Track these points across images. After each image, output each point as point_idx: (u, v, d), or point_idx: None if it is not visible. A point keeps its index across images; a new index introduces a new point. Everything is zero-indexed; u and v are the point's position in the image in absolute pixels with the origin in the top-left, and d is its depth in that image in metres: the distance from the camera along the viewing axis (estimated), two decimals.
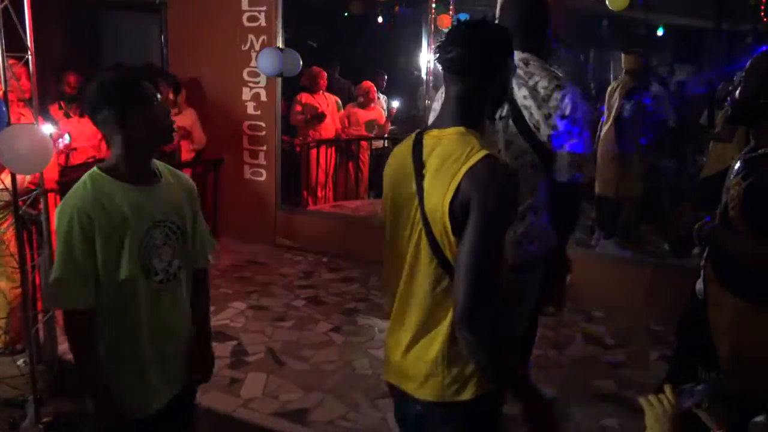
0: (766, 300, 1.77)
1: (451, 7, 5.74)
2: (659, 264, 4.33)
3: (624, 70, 5.34)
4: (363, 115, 6.78)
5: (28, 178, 3.18)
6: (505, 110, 2.11)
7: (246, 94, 5.40)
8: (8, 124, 2.71)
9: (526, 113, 2.08)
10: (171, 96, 5.13)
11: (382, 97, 7.26)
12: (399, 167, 1.61)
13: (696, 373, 1.92)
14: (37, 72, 2.89)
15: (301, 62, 5.06)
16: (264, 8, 5.18)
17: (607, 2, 4.91)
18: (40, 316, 3.17)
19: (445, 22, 5.77)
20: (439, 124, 1.57)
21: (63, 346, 3.18)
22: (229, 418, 2.95)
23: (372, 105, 6.80)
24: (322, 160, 6.46)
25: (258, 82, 5.34)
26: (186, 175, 1.95)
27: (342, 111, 6.80)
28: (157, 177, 1.79)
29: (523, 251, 2.11)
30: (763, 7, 7.55)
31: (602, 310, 4.19)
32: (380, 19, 9.39)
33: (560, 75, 2.13)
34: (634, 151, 5.12)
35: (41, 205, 3.05)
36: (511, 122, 2.11)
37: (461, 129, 1.51)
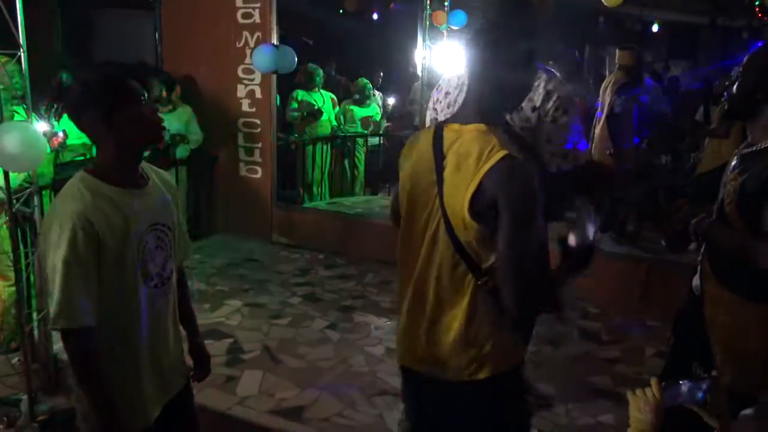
0: (762, 296, 1.78)
1: (446, 3, 5.74)
2: (655, 260, 4.35)
3: (617, 66, 5.34)
4: (359, 112, 6.77)
5: (22, 175, 3.16)
6: None
7: (241, 91, 5.38)
8: (0, 121, 2.69)
9: None
10: (165, 94, 5.11)
11: (378, 94, 7.25)
12: (419, 158, 1.64)
13: (692, 369, 1.92)
14: (30, 69, 2.87)
15: (296, 59, 5.05)
16: (258, 5, 5.16)
17: None
18: (34, 315, 3.16)
19: (440, 18, 5.77)
20: (459, 118, 1.61)
21: (58, 345, 3.16)
22: (224, 416, 2.95)
23: (367, 102, 6.80)
24: (317, 157, 6.45)
25: (253, 79, 5.32)
26: (167, 173, 1.89)
27: (337, 108, 6.79)
28: (144, 179, 1.73)
29: None
30: (757, 3, 7.56)
31: (598, 306, 4.20)
32: (375, 16, 9.39)
33: (539, 66, 2.09)
34: (627, 147, 5.12)
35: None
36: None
37: (482, 126, 1.54)
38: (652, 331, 3.94)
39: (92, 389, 1.60)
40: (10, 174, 2.84)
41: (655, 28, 10.15)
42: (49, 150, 3.90)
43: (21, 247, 3.00)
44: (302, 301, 4.27)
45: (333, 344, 3.67)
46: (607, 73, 7.04)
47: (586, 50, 8.85)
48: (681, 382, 1.47)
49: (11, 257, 2.91)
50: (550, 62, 2.22)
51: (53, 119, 4.57)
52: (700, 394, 1.44)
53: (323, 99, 6.50)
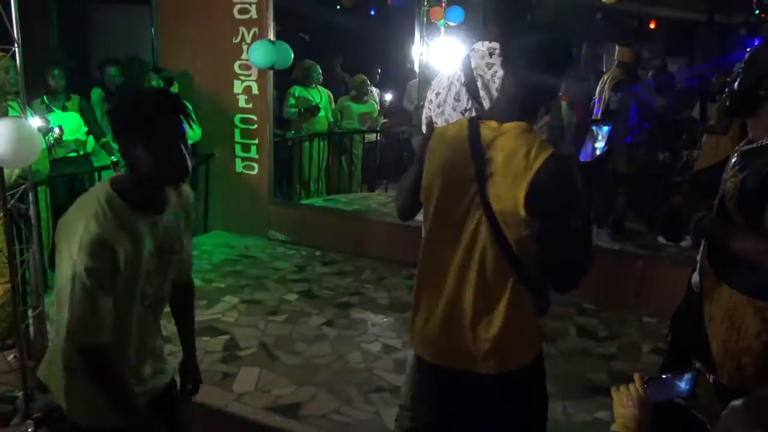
0: (761, 292, 1.77)
1: (443, 0, 5.73)
2: (651, 256, 4.35)
3: (616, 62, 5.34)
4: (356, 108, 6.76)
5: (17, 171, 3.15)
6: (469, 104, 2.10)
7: (237, 87, 5.36)
8: None
9: (485, 105, 2.07)
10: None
11: (375, 91, 7.24)
12: (452, 152, 1.65)
13: (690, 366, 1.92)
14: (25, 65, 2.86)
15: (293, 55, 5.03)
16: (255, 0, 5.14)
17: None
18: (29, 312, 3.14)
19: (437, 14, 5.75)
20: (496, 116, 1.63)
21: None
22: (221, 412, 2.94)
23: (365, 98, 6.78)
24: (314, 154, 6.44)
25: (250, 75, 5.30)
26: (187, 188, 1.89)
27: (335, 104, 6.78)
28: (164, 202, 1.72)
29: None
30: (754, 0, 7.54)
31: (595, 302, 4.20)
32: (372, 12, 9.37)
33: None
34: (624, 144, 5.12)
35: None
36: (474, 115, 2.08)
37: (522, 125, 1.60)
38: (649, 327, 3.94)
39: (122, 399, 1.64)
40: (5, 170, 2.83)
41: (652, 24, 10.14)
42: (44, 146, 3.89)
43: (16, 243, 2.99)
44: (299, 298, 4.26)
45: (330, 341, 3.66)
46: (604, 69, 7.03)
47: (583, 47, 8.83)
48: (664, 376, 1.48)
49: (6, 254, 2.90)
50: None
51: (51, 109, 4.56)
52: (684, 387, 1.45)
53: (320, 95, 6.48)
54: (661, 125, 5.44)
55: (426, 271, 1.77)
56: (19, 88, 2.90)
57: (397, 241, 4.74)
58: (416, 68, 5.82)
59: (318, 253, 5.19)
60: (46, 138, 4.16)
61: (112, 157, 4.72)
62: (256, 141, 5.43)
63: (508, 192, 1.55)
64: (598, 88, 5.34)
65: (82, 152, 4.73)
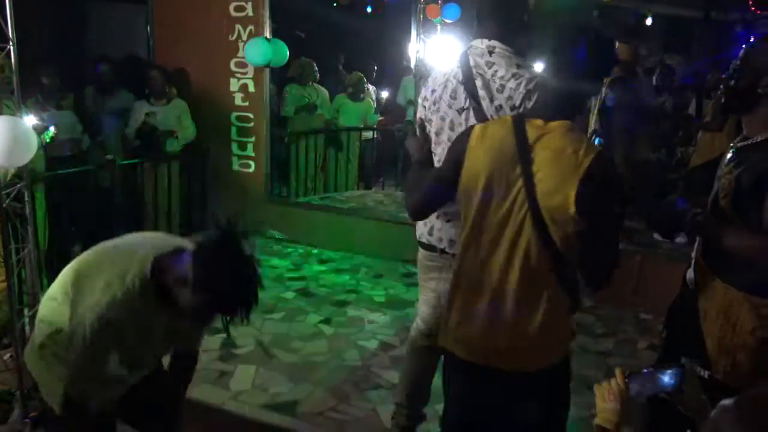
0: (757, 288, 1.78)
1: None
2: (648, 253, 4.35)
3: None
4: (353, 106, 6.75)
5: (12, 170, 3.14)
6: (466, 102, 2.09)
7: (234, 84, 5.35)
8: None
9: (483, 104, 2.06)
10: (167, 87, 5.08)
11: (372, 88, 7.23)
12: (499, 148, 1.67)
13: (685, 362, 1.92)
14: (20, 63, 2.84)
15: (289, 52, 5.02)
16: None
17: None
18: (26, 311, 3.14)
19: (434, 12, 5.74)
20: (540, 115, 1.68)
21: None
22: (218, 410, 2.94)
23: (361, 96, 6.77)
24: (311, 152, 6.43)
25: (246, 73, 5.29)
26: None
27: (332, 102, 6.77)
28: None
29: None
30: None
31: (591, 299, 4.21)
32: (369, 9, 9.35)
33: (523, 64, 2.07)
34: (619, 141, 5.11)
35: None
36: (472, 114, 2.09)
37: (567, 123, 1.65)
38: (645, 324, 3.96)
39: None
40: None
41: (649, 21, 10.14)
42: (40, 144, 3.88)
43: (12, 243, 2.98)
44: (296, 296, 4.26)
45: (326, 338, 3.66)
46: None
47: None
48: (645, 370, 1.49)
49: (2, 253, 2.89)
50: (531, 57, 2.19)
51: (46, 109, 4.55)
52: (669, 382, 1.47)
53: (317, 93, 6.48)
54: (658, 123, 5.44)
55: (466, 270, 1.77)
56: (15, 86, 2.89)
57: (393, 239, 4.75)
58: (413, 65, 5.81)
59: (315, 251, 5.19)
60: (42, 137, 4.14)
61: (108, 156, 4.71)
62: (253, 139, 5.42)
63: (558, 189, 1.58)
64: None
65: (76, 152, 4.72)
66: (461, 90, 2.12)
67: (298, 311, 4.02)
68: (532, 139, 1.64)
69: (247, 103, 5.36)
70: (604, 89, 5.08)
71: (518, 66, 2.06)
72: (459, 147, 1.77)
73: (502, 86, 2.03)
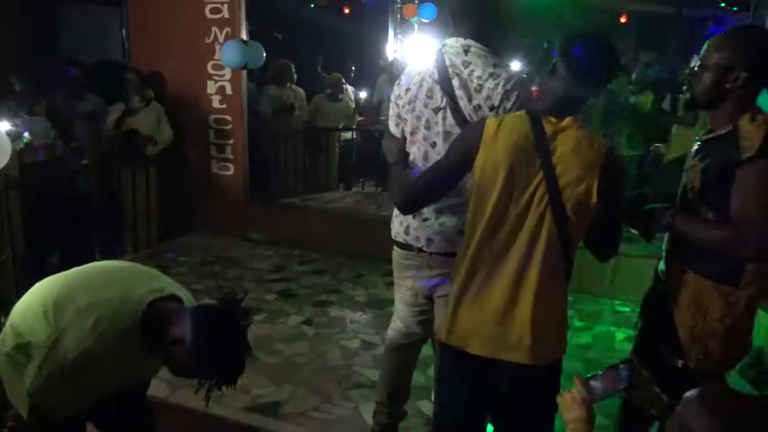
0: (724, 277, 1.82)
1: None
2: (624, 247, 4.41)
3: None
4: (331, 106, 6.75)
5: None
6: (443, 101, 2.10)
7: (211, 87, 5.33)
8: None
9: (461, 104, 2.06)
10: (144, 92, 5.04)
11: (350, 89, 7.24)
12: (517, 141, 1.73)
13: (659, 351, 1.96)
14: None
15: (265, 54, 5.01)
16: (227, 0, 5.11)
17: None
18: (1, 318, 3.10)
19: (411, 11, 5.78)
20: (552, 112, 1.76)
21: None
22: (201, 414, 2.92)
23: (340, 96, 6.78)
24: (290, 153, 6.42)
25: (223, 75, 5.27)
26: None
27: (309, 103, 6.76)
28: None
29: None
30: None
31: (570, 293, 4.23)
32: (346, 10, 9.36)
33: (499, 63, 2.09)
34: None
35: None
36: (449, 113, 2.09)
37: (576, 119, 1.75)
38: (622, 316, 4.01)
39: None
40: None
41: (623, 19, 10.27)
42: (17, 150, 3.83)
43: None
44: (277, 298, 4.26)
45: (308, 339, 3.67)
46: None
47: (557, 42, 8.92)
48: (600, 372, 1.54)
49: None
50: (507, 55, 2.20)
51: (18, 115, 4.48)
52: (622, 379, 1.52)
53: (295, 94, 6.47)
54: (632, 120, 5.51)
55: (480, 263, 1.79)
56: None
57: (374, 239, 4.73)
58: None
59: (296, 252, 5.18)
60: (15, 143, 4.10)
61: (84, 161, 4.66)
62: (231, 141, 5.40)
63: (581, 180, 1.68)
64: None
65: (51, 157, 4.66)
66: (437, 89, 2.12)
67: (280, 312, 4.01)
68: (548, 133, 1.72)
69: (224, 106, 5.34)
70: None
71: (495, 65, 2.07)
72: (471, 138, 1.80)
73: (480, 86, 2.04)
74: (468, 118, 2.05)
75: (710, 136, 1.85)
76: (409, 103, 2.22)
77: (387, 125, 2.38)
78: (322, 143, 6.76)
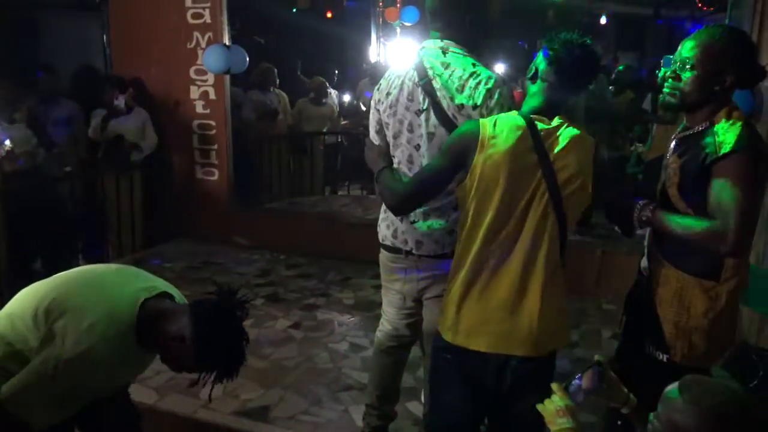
0: (707, 272, 1.85)
1: (398, 1, 5.78)
2: (609, 245, 4.46)
3: None
4: (315, 110, 6.75)
5: None
6: (425, 103, 2.11)
7: (194, 92, 5.31)
8: None
9: (444, 104, 2.08)
10: (117, 98, 5.01)
11: (333, 92, 7.25)
12: (517, 141, 1.78)
13: (644, 347, 1.99)
14: None
15: (248, 59, 5.01)
16: (208, 4, 5.09)
17: None
18: None
19: (393, 15, 5.80)
20: (542, 113, 1.84)
21: None
22: (189, 420, 2.92)
23: (324, 100, 6.79)
24: (275, 157, 6.41)
25: (206, 80, 5.25)
26: None
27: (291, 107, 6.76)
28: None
29: (455, 239, 2.15)
30: None
31: None
32: (329, 14, 9.37)
33: (478, 63, 2.10)
34: None
35: None
36: (432, 114, 2.10)
37: (563, 119, 1.84)
38: (608, 314, 4.05)
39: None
40: None
41: (603, 20, 10.40)
42: None
43: None
44: (265, 302, 4.25)
45: (297, 343, 3.66)
46: None
47: (537, 44, 9.01)
48: (577, 378, 1.57)
49: None
50: (486, 56, 2.21)
51: None
52: (596, 381, 1.56)
53: (278, 99, 6.47)
54: (612, 120, 5.57)
55: (483, 262, 1.82)
56: None
57: (361, 242, 4.75)
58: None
59: (282, 256, 5.17)
60: None
61: (67, 168, 4.63)
62: (215, 146, 5.38)
63: (579, 174, 1.79)
64: None
65: (31, 165, 4.61)
66: (418, 92, 2.12)
67: (267, 317, 4.01)
68: (543, 132, 1.80)
69: (208, 111, 5.32)
70: None
71: (474, 65, 2.08)
72: (467, 139, 1.83)
73: (462, 86, 2.05)
74: (452, 118, 2.07)
75: (688, 133, 1.88)
76: (390, 107, 2.22)
77: (368, 135, 2.37)
78: (306, 147, 6.77)
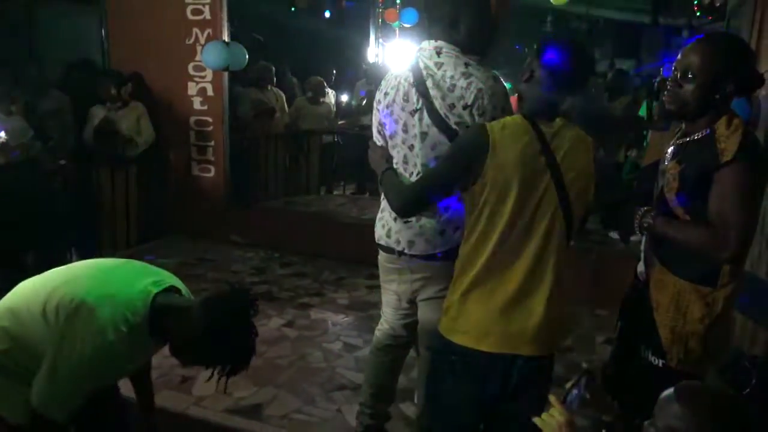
0: (704, 278, 1.86)
1: (397, 1, 5.78)
2: (603, 250, 4.47)
3: None
4: (312, 109, 6.75)
5: None
6: (419, 103, 2.12)
7: (192, 88, 5.30)
8: None
9: (436, 103, 2.09)
10: (112, 91, 5.00)
11: (331, 92, 7.25)
12: (526, 144, 1.81)
13: (639, 352, 1.99)
14: None
15: (247, 56, 5.00)
16: (208, 1, 5.08)
17: None
18: None
19: (392, 16, 5.81)
20: (541, 116, 1.86)
21: None
22: (181, 416, 2.91)
23: (321, 99, 6.78)
24: (271, 156, 6.40)
25: (204, 77, 5.24)
26: None
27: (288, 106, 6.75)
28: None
29: (447, 239, 2.16)
30: (696, 2, 7.84)
31: None
32: (327, 14, 9.37)
33: (471, 64, 2.10)
34: None
35: None
36: (425, 114, 2.11)
37: (564, 120, 1.88)
38: (602, 319, 4.06)
39: None
40: None
41: (600, 26, 10.45)
42: None
43: None
44: (258, 300, 4.22)
45: (290, 341, 3.66)
46: None
47: (534, 47, 9.03)
48: (574, 390, 1.59)
49: None
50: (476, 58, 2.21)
51: None
52: (584, 391, 1.57)
53: (276, 97, 6.46)
54: (606, 128, 5.59)
55: (495, 263, 1.84)
56: None
57: (355, 242, 4.75)
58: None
59: (277, 255, 5.17)
60: None
61: (61, 162, 4.60)
62: (212, 143, 5.37)
63: (582, 175, 1.84)
64: None
65: (26, 156, 4.58)
66: (413, 92, 2.14)
67: (261, 315, 3.93)
68: (547, 134, 1.83)
69: (205, 107, 5.31)
70: None
71: (467, 65, 2.09)
72: (476, 143, 1.83)
73: (453, 86, 2.06)
74: (444, 117, 2.08)
75: (687, 139, 1.89)
76: (387, 108, 2.23)
77: (369, 134, 2.39)
78: (303, 146, 6.76)
